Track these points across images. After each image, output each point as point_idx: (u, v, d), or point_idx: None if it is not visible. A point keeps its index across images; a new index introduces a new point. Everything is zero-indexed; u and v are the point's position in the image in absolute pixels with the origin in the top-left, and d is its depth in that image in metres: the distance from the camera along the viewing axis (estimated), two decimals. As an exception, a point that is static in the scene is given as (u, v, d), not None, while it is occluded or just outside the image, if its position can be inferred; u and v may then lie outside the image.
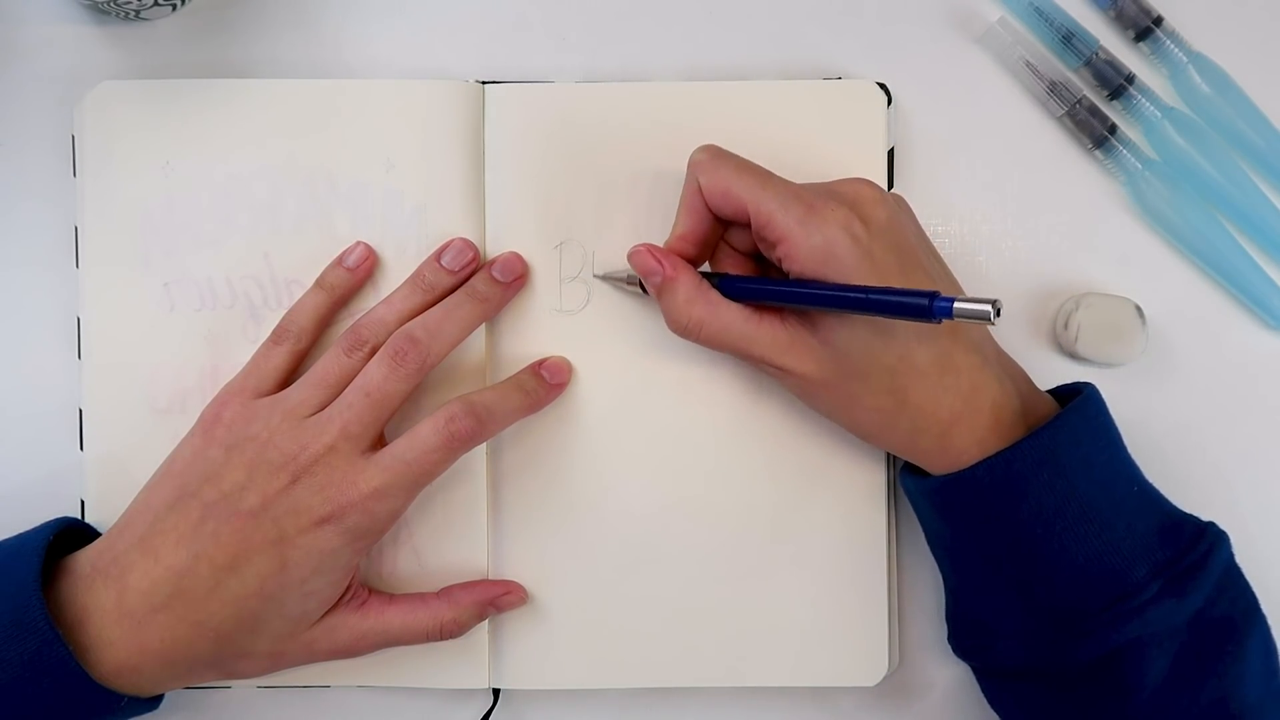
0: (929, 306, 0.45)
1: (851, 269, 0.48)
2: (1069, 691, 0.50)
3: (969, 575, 0.52)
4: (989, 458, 0.48)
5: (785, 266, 0.50)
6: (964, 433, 0.49)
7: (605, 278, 0.56)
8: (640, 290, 0.54)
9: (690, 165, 0.52)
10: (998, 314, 0.44)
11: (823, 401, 0.52)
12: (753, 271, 0.53)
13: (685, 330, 0.52)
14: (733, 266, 0.53)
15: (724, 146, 0.52)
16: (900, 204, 0.52)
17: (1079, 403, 0.50)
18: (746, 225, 0.51)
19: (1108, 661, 0.48)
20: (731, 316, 0.51)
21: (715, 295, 0.51)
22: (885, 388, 0.49)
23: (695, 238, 0.52)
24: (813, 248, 0.48)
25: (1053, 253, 0.58)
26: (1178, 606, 0.48)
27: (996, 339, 0.52)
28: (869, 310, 0.47)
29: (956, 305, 0.44)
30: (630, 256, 0.53)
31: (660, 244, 0.53)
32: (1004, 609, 0.50)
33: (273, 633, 0.51)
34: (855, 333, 0.49)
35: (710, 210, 0.51)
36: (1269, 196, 0.57)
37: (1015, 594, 0.50)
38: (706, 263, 0.54)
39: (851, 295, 0.47)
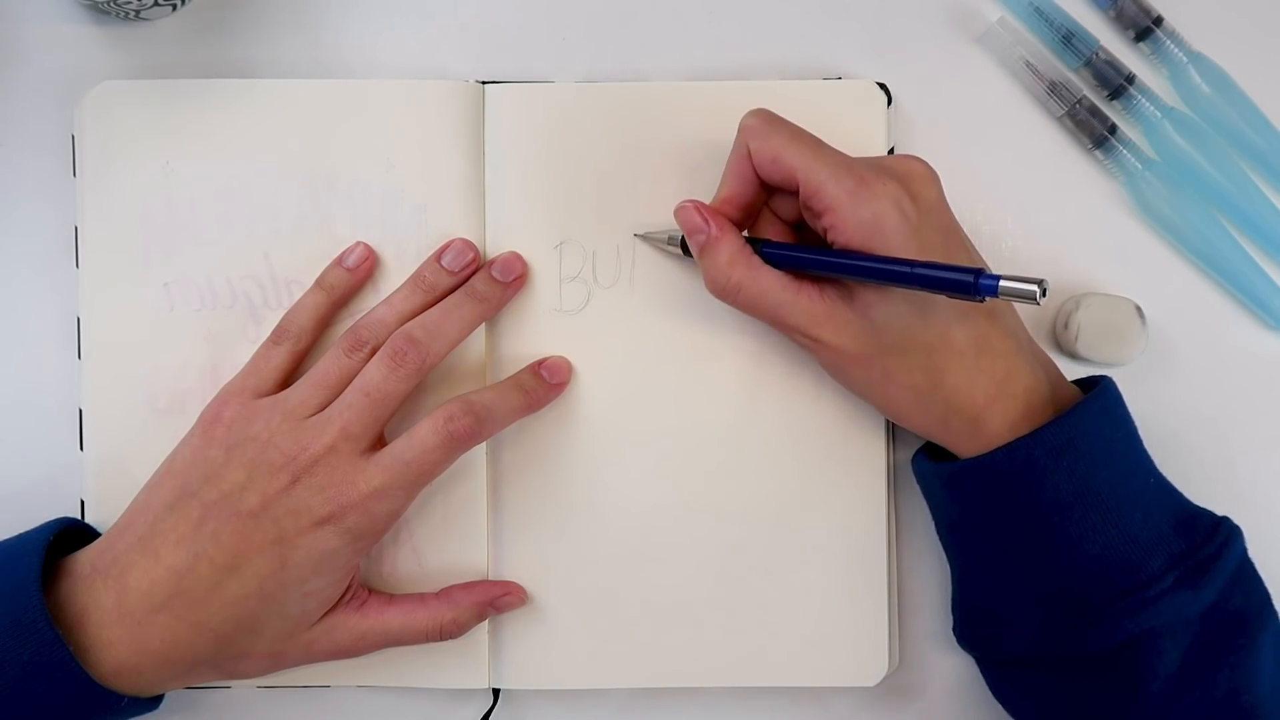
0: (974, 283, 0.45)
1: (898, 244, 0.48)
2: (1079, 681, 0.50)
3: (980, 562, 0.52)
4: (1010, 443, 0.48)
5: (831, 237, 0.49)
6: (996, 416, 0.49)
7: (645, 238, 0.55)
8: (681, 251, 0.54)
9: (741, 130, 0.51)
10: (1044, 294, 0.44)
11: (855, 378, 0.51)
12: (792, 240, 0.53)
13: (724, 292, 0.51)
14: (774, 234, 0.53)
15: (725, 146, 0.52)
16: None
17: (1098, 393, 0.50)
18: (792, 193, 0.50)
19: (1119, 651, 0.48)
20: (770, 282, 0.51)
21: (756, 260, 0.51)
22: (921, 366, 0.49)
23: (739, 202, 0.52)
24: (861, 221, 0.48)
25: (1053, 253, 0.58)
26: (1191, 599, 0.48)
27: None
28: (913, 284, 0.47)
29: (1002, 284, 0.44)
30: (677, 212, 0.52)
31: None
32: (1015, 597, 0.50)
33: (272, 633, 0.51)
34: (895, 308, 0.49)
35: (757, 176, 0.51)
36: (1269, 196, 0.57)
37: (1028, 582, 0.50)
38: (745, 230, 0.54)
39: (896, 268, 0.47)
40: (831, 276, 0.50)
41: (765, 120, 0.51)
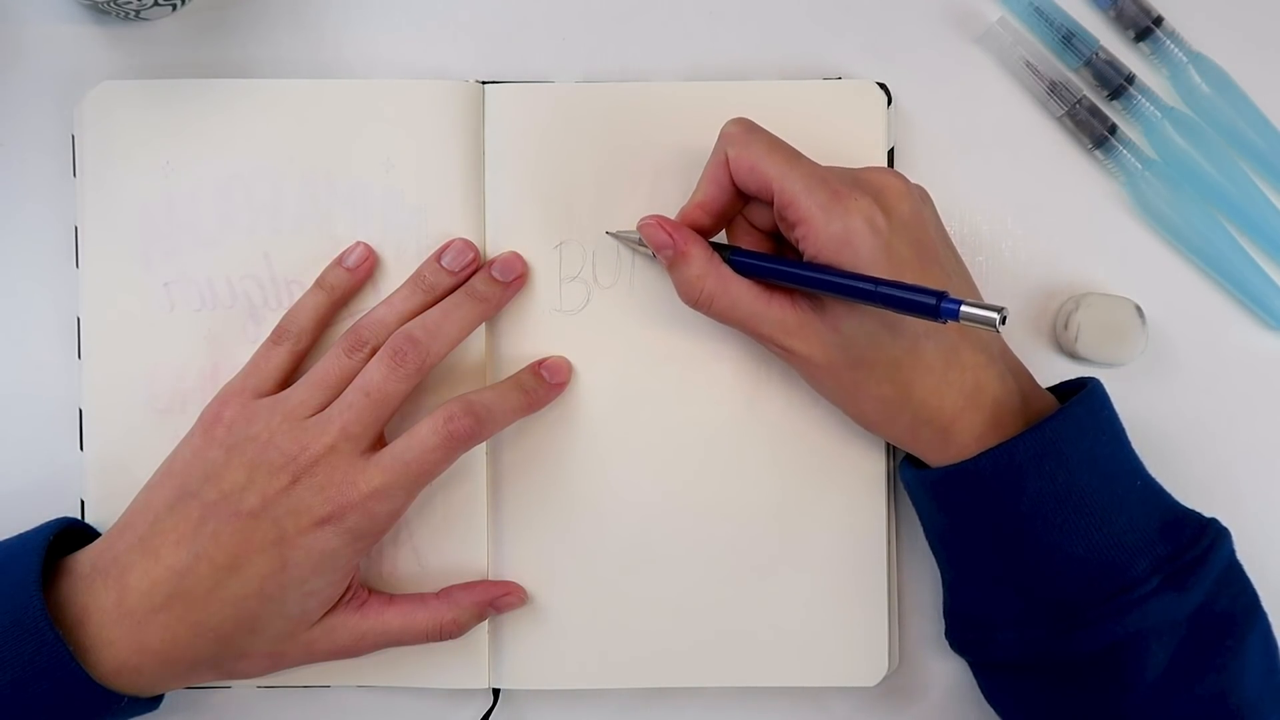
0: (936, 306, 0.45)
1: (868, 260, 0.48)
2: (1067, 684, 0.50)
3: (967, 568, 0.52)
4: (993, 448, 0.49)
5: (802, 249, 0.50)
6: (965, 428, 0.49)
7: (617, 236, 0.55)
8: (651, 254, 0.54)
9: (721, 136, 0.51)
10: (1003, 321, 0.44)
11: (826, 386, 0.52)
12: (768, 249, 0.53)
13: (696, 303, 0.52)
14: (749, 242, 0.53)
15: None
16: (924, 198, 0.52)
17: (1083, 396, 0.50)
18: (768, 202, 0.50)
19: (1107, 654, 0.48)
20: (741, 292, 0.51)
21: (726, 270, 0.51)
22: (889, 378, 0.49)
23: (713, 208, 0.52)
24: (832, 234, 0.48)
25: (1053, 253, 0.58)
26: (1178, 601, 0.48)
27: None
28: (876, 302, 0.47)
29: (964, 309, 0.44)
30: (640, 228, 0.52)
31: (673, 215, 0.53)
32: (1003, 601, 0.51)
33: (272, 633, 0.51)
34: (864, 322, 0.49)
35: (733, 183, 0.51)
36: (1269, 196, 0.57)
37: (1014, 586, 0.50)
38: (721, 233, 0.54)
39: (860, 285, 0.47)
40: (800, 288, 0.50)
41: (745, 129, 0.51)
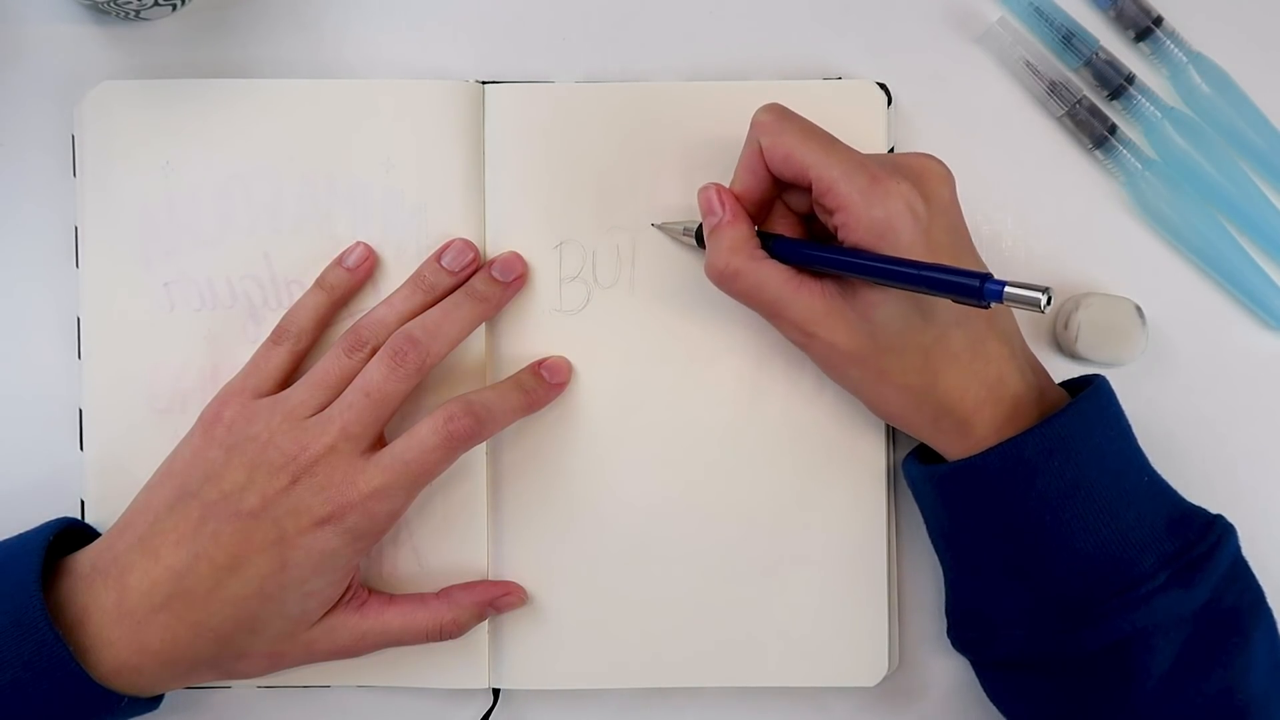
0: (980, 288, 0.45)
1: (908, 245, 0.48)
2: (1072, 681, 0.50)
3: (972, 565, 0.52)
4: (1001, 443, 0.49)
5: (841, 235, 0.49)
6: (984, 421, 0.49)
7: (662, 227, 0.55)
8: (695, 243, 0.54)
9: (753, 125, 0.51)
10: (1049, 302, 0.44)
11: (850, 376, 0.51)
12: (800, 232, 0.53)
13: (721, 276, 0.51)
14: (783, 226, 0.53)
15: (726, 146, 0.52)
16: None
17: (1090, 392, 0.50)
18: (805, 188, 0.50)
19: (1113, 651, 0.48)
20: (770, 275, 0.50)
21: (760, 252, 0.51)
22: (917, 367, 0.49)
23: (751, 198, 0.52)
24: (873, 220, 0.48)
25: (1053, 253, 0.58)
26: (1184, 597, 0.48)
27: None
28: (919, 285, 0.47)
29: (1008, 290, 0.44)
30: (699, 192, 0.52)
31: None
32: (1008, 598, 0.50)
33: (272, 633, 0.51)
34: (896, 309, 0.49)
35: (769, 171, 0.51)
36: (1269, 196, 0.57)
37: (1020, 583, 0.50)
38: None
39: (904, 269, 0.47)
40: (834, 273, 0.50)
41: (778, 116, 0.51)
